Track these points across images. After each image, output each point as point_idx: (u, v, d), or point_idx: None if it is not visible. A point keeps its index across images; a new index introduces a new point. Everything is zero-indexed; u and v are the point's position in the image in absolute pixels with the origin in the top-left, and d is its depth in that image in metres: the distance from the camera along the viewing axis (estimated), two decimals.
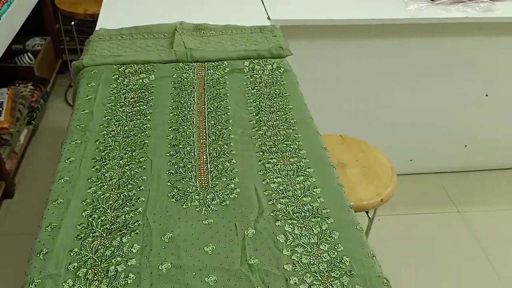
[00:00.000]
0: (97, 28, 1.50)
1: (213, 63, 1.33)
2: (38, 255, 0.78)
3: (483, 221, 2.06)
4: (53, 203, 0.88)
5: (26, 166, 2.22)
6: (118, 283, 0.74)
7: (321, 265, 0.79)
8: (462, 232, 2.03)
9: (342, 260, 0.80)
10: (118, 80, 1.24)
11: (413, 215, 2.10)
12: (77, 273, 0.76)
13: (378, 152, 1.55)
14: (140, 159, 1.00)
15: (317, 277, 0.77)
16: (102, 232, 0.83)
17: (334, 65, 1.87)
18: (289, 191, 0.94)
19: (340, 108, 1.98)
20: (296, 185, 0.96)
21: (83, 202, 0.89)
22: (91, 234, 0.82)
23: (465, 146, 2.21)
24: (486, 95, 2.03)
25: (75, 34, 2.50)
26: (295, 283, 0.76)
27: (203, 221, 0.87)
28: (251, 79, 1.29)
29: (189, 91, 1.23)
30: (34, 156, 2.29)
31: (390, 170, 1.48)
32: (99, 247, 0.80)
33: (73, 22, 2.43)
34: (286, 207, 0.90)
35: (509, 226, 2.05)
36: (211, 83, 1.26)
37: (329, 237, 0.85)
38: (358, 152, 1.55)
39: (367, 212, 1.40)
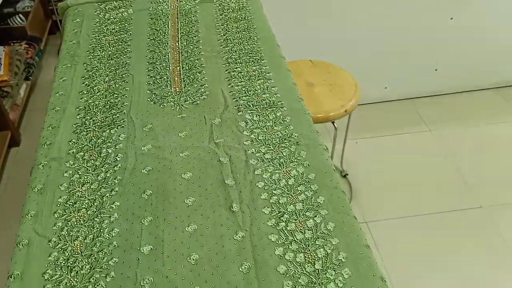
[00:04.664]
0: None
1: None
2: (43, 146, 0.96)
3: (452, 137, 2.23)
4: (52, 110, 1.06)
5: (28, 118, 2.40)
6: (109, 160, 0.93)
7: (274, 140, 0.97)
8: (433, 148, 2.20)
9: (292, 135, 0.98)
10: (100, 15, 1.39)
11: (387, 136, 2.27)
12: (76, 156, 0.94)
13: (343, 72, 1.71)
14: (123, 75, 1.17)
15: (270, 147, 0.95)
16: (94, 128, 1.01)
17: None
18: (250, 91, 1.11)
19: (316, 39, 2.11)
20: (257, 86, 1.13)
21: (76, 109, 1.06)
22: (85, 129, 1.00)
23: (436, 70, 2.36)
24: (451, 19, 2.16)
25: None
26: (252, 152, 0.94)
27: (178, 116, 1.04)
28: (219, 7, 1.43)
29: (164, 20, 1.38)
30: (35, 109, 2.47)
31: (354, 86, 1.64)
32: (93, 137, 0.98)
33: None
34: (248, 102, 1.08)
35: (475, 139, 2.22)
36: (184, 13, 1.41)
37: (282, 120, 1.02)
38: (325, 73, 1.71)
39: (333, 122, 1.57)
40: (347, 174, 2.04)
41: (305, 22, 2.05)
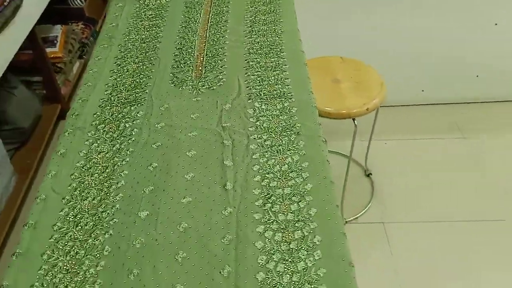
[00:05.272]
0: None
1: None
2: (71, 116, 1.08)
3: (485, 146, 2.17)
4: (84, 85, 1.18)
5: None
6: (125, 134, 1.03)
7: (278, 128, 1.03)
8: (464, 155, 2.15)
9: (295, 125, 1.03)
10: (140, 1, 1.50)
11: (419, 140, 2.25)
12: (98, 127, 1.05)
13: (372, 70, 1.72)
14: (151, 58, 1.27)
15: (272, 135, 1.01)
16: (118, 104, 1.11)
17: None
18: (264, 81, 1.17)
19: (355, 38, 2.11)
20: (272, 76, 1.19)
21: (106, 85, 1.18)
22: (109, 104, 1.11)
23: (477, 76, 2.29)
24: (496, 24, 2.10)
25: None
26: (254, 138, 1.01)
27: (193, 99, 1.13)
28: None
29: (197, 9, 1.46)
30: None
31: (380, 85, 1.65)
32: (114, 112, 1.09)
33: None
34: (260, 91, 1.14)
35: (510, 151, 2.15)
36: (217, 3, 1.49)
37: (288, 111, 1.08)
38: (353, 70, 1.73)
39: (353, 120, 1.60)
40: (370, 174, 2.05)
41: (346, 20, 2.07)
